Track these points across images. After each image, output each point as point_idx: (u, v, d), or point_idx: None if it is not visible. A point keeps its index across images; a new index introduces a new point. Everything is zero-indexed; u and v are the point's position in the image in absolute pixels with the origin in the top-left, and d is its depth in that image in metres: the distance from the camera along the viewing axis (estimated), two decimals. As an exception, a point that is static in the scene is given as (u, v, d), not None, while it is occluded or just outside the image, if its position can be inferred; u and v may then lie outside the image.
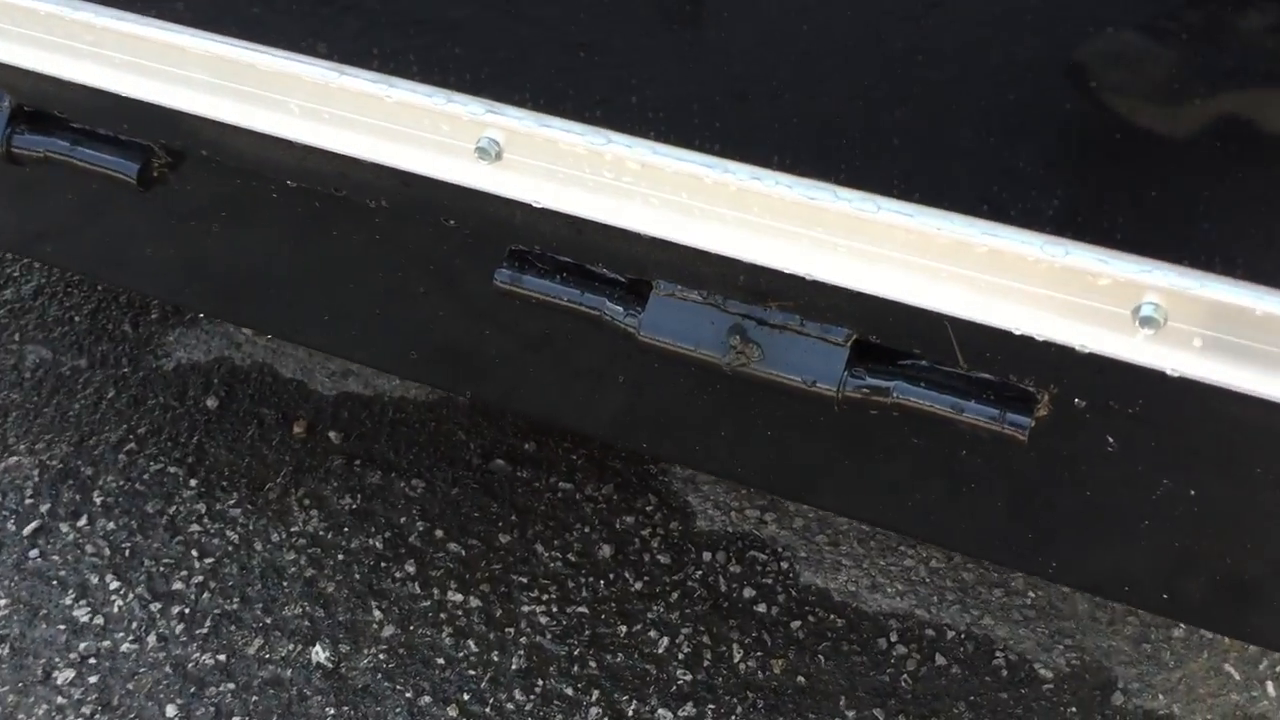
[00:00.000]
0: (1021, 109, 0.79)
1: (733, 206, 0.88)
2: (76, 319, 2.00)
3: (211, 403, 1.86)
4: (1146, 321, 0.79)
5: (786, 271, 0.89)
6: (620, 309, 0.98)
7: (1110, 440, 0.90)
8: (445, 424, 1.84)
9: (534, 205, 0.94)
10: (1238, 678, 1.55)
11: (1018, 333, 0.84)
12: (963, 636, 1.58)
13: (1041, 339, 0.84)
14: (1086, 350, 0.82)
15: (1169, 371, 0.81)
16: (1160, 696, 1.52)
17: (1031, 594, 1.63)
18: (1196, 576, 0.96)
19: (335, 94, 0.96)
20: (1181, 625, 1.58)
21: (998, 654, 1.56)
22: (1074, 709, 1.51)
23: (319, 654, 1.55)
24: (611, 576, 1.65)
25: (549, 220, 0.96)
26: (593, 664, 1.55)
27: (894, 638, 1.58)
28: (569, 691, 1.52)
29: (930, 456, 0.96)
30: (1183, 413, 0.84)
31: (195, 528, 1.70)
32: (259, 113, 0.99)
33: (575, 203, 0.93)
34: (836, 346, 0.92)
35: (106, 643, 1.56)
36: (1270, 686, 1.53)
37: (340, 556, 1.67)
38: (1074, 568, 0.99)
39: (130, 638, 1.57)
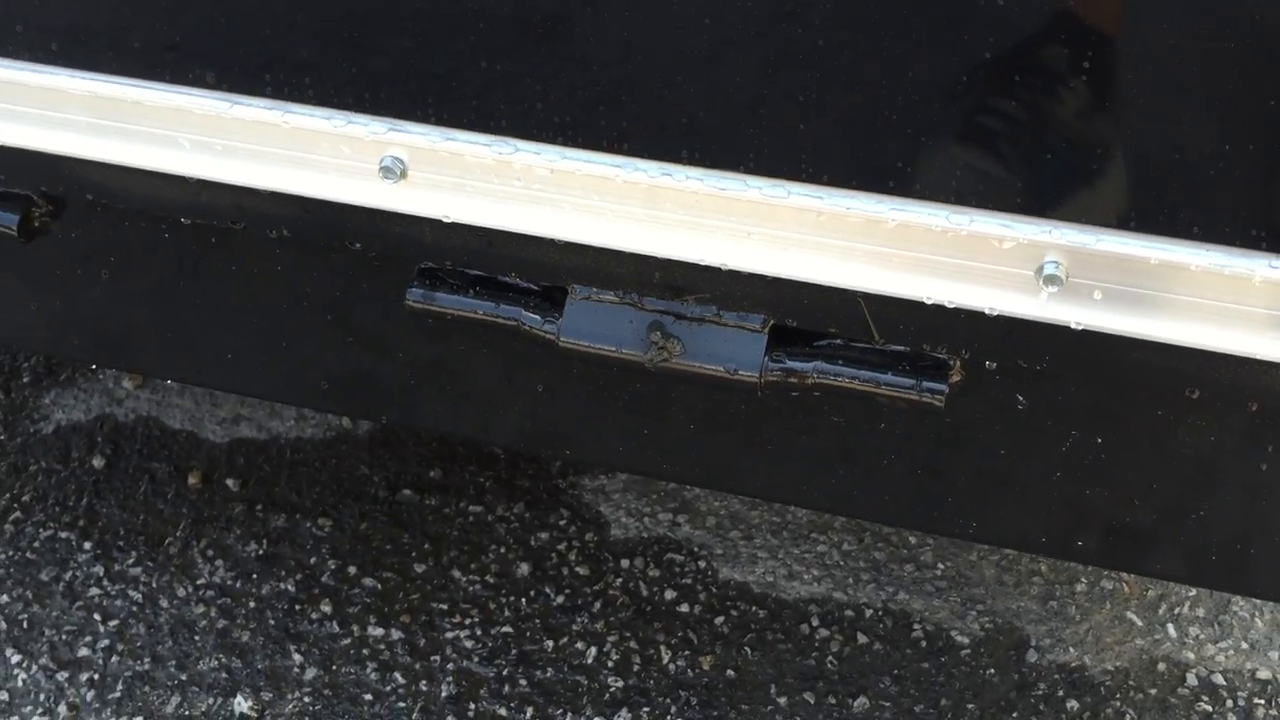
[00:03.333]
0: (918, 82, 0.82)
1: (645, 204, 0.89)
2: (-58, 389, 1.91)
3: (98, 462, 1.80)
4: (1050, 280, 0.83)
5: (702, 264, 0.90)
6: (537, 317, 0.98)
7: (1020, 398, 0.94)
8: (346, 459, 1.81)
9: (444, 220, 0.95)
10: (1140, 624, 1.62)
11: (929, 302, 0.87)
12: (880, 613, 1.62)
13: (952, 306, 0.87)
14: (995, 312, 0.86)
15: (1073, 325, 0.85)
16: (1071, 649, 1.58)
17: (941, 566, 1.68)
18: (1107, 521, 1.01)
19: (229, 124, 0.94)
20: (1083, 580, 1.65)
21: (915, 626, 1.61)
22: (992, 670, 1.56)
23: (241, 704, 1.51)
24: (532, 594, 1.64)
25: (459, 234, 0.96)
26: (523, 682, 1.54)
27: (815, 622, 1.61)
28: (502, 712, 1.51)
29: (853, 432, 0.99)
30: (1087, 364, 0.88)
31: (95, 591, 1.64)
32: (148, 150, 0.97)
33: (485, 214, 0.93)
34: (755, 333, 0.94)
35: (14, 719, 1.49)
36: (1171, 628, 1.61)
37: (252, 604, 1.63)
38: (994, 526, 1.03)
39: (39, 710, 1.50)
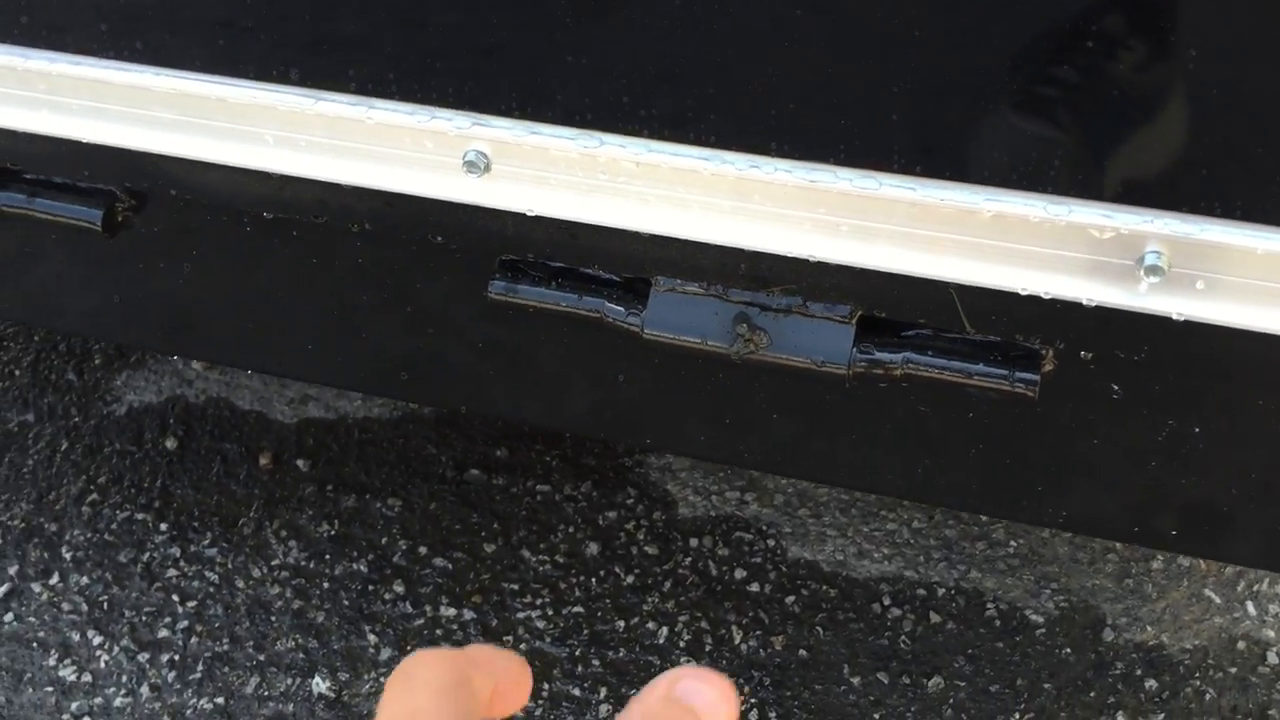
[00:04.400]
0: (1012, 70, 0.80)
1: (732, 196, 0.88)
2: (17, 373, 1.94)
3: (171, 444, 1.82)
4: (1151, 270, 0.81)
5: (789, 255, 0.89)
6: (621, 309, 0.98)
7: (1116, 388, 0.93)
8: (414, 440, 1.82)
9: (527, 214, 0.94)
10: (1218, 601, 1.60)
11: (1024, 293, 0.86)
12: (953, 592, 1.61)
13: (1048, 297, 0.86)
14: (1093, 303, 0.84)
15: (1175, 316, 0.83)
16: (1148, 628, 1.57)
17: (1013, 543, 1.67)
18: (1202, 510, 0.99)
19: (312, 120, 0.94)
20: (1159, 557, 1.64)
21: (989, 605, 1.60)
22: (1068, 650, 1.55)
23: (319, 685, 1.53)
24: (602, 574, 1.65)
25: (542, 227, 0.95)
26: (596, 662, 1.55)
27: (887, 601, 1.61)
28: (576, 692, 1.52)
29: (943, 421, 0.98)
30: (1187, 354, 0.87)
31: (172, 572, 1.67)
32: (232, 146, 0.97)
33: (570, 207, 0.93)
34: (843, 324, 0.93)
35: (98, 699, 1.52)
36: (1250, 606, 1.59)
37: (326, 585, 1.65)
38: (1087, 514, 1.01)
39: (122, 692, 1.53)
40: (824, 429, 1.02)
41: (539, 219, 0.94)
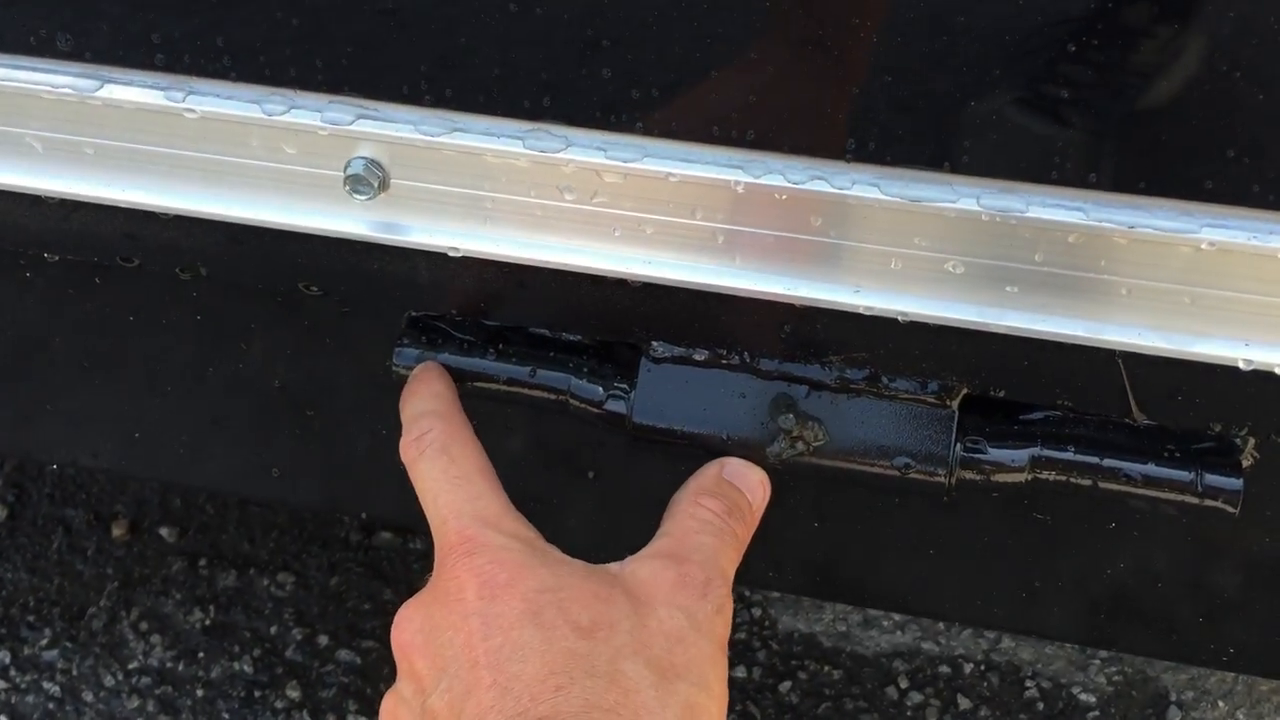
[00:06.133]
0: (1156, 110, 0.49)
1: (777, 218, 0.56)
2: None
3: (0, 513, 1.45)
4: None
5: (865, 312, 0.57)
6: (597, 387, 0.65)
7: (1340, 490, 0.63)
8: (308, 496, 1.47)
9: (449, 254, 0.61)
10: (1297, 664, 1.33)
11: (1245, 368, 0.55)
12: (983, 669, 1.32)
13: (1258, 368, 0.55)
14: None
15: None
16: (1220, 704, 1.29)
17: (1047, 600, 1.38)
18: None
19: (104, 114, 0.60)
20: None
21: (1028, 683, 1.31)
22: (1126, 735, 1.27)
23: (192, 837, 1.19)
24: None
25: (471, 272, 0.62)
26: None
27: (904, 684, 1.31)
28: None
29: (1095, 546, 0.67)
30: None
31: (1, 684, 1.31)
32: (-19, 157, 0.62)
33: (515, 242, 0.60)
34: (939, 408, 0.61)
35: None
36: (1337, 669, 1.32)
37: (200, 692, 1.30)
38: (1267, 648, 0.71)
39: None
40: (905, 554, 0.70)
41: (466, 260, 0.61)
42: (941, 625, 1.35)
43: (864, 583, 0.73)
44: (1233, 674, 1.32)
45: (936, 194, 0.53)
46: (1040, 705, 1.29)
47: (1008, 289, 0.56)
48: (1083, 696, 1.30)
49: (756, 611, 1.37)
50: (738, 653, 1.33)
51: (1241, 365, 0.54)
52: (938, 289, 0.56)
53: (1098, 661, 1.32)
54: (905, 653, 1.33)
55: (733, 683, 1.30)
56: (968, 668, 1.32)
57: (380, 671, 1.31)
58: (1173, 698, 1.29)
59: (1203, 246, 0.52)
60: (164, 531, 1.44)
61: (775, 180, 0.55)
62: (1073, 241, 0.53)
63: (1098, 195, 0.53)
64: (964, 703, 1.29)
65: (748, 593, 1.38)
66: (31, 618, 1.36)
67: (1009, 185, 0.53)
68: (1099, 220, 0.53)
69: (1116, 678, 1.31)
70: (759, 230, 0.57)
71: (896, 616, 1.37)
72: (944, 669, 1.32)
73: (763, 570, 0.72)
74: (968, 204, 0.53)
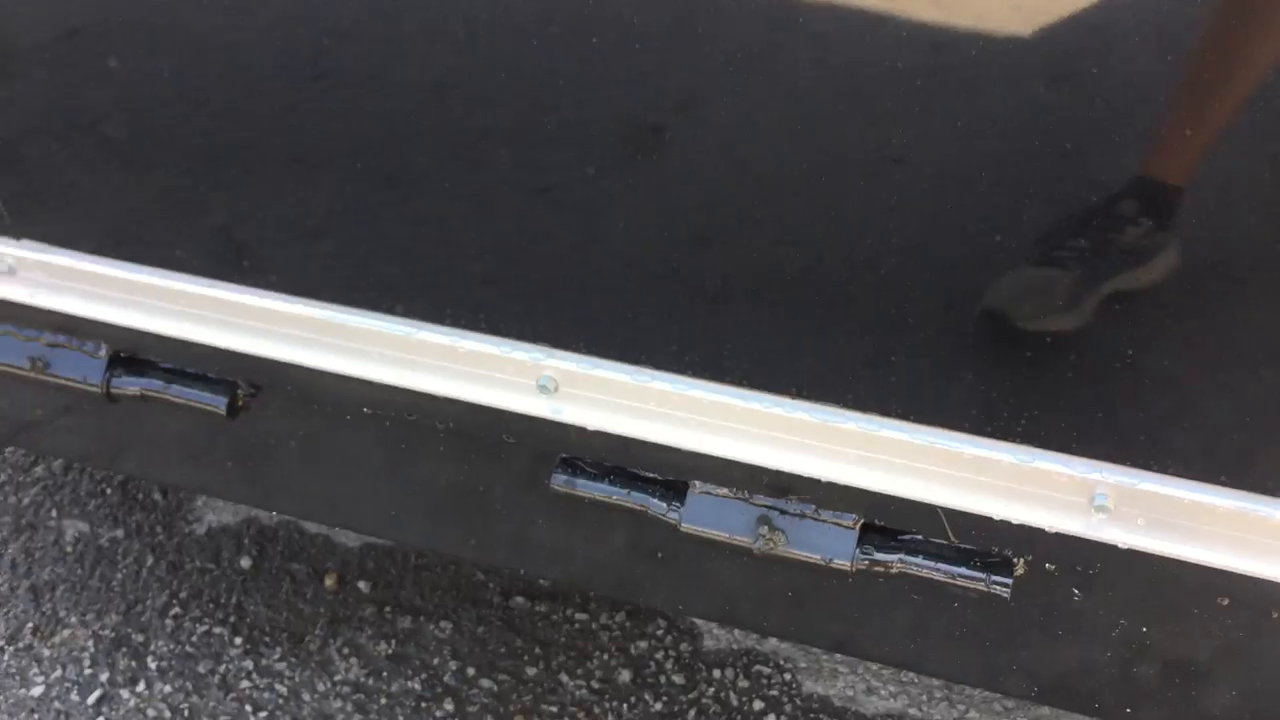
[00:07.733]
0: (990, 349, 1.00)
1: (760, 426, 1.07)
2: (108, 491, 2.14)
3: (245, 562, 2.01)
4: (1100, 508, 1.00)
5: (806, 475, 1.08)
6: (663, 504, 1.17)
7: (1076, 592, 1.11)
8: (464, 567, 2.01)
9: (587, 428, 1.13)
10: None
11: (997, 518, 1.04)
12: (951, 730, 1.77)
13: (1017, 522, 1.04)
14: (1054, 530, 1.03)
15: (1119, 545, 1.01)
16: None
17: (1008, 685, 1.83)
18: (1147, 692, 1.16)
19: (415, 345, 1.14)
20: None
21: (984, 744, 1.76)
22: (1055, 788, 1.71)
23: (377, 796, 1.70)
24: (633, 699, 1.82)
25: (599, 438, 1.15)
26: (626, 784, 1.72)
27: (891, 736, 1.77)
28: (607, 811, 1.69)
29: (929, 610, 1.16)
30: (1132, 574, 1.05)
31: (246, 684, 1.85)
32: (347, 361, 1.17)
33: (623, 425, 1.12)
34: (847, 529, 1.12)
35: (180, 803, 1.70)
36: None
37: (383, 700, 1.83)
38: (1051, 690, 1.19)
39: (202, 796, 1.70)
40: (830, 611, 1.20)
41: (597, 432, 1.14)
42: (925, 696, 1.81)
43: (795, 626, 1.22)
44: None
45: (837, 419, 1.04)
46: (991, 760, 1.74)
47: (880, 472, 1.06)
48: (1024, 757, 1.74)
49: (787, 676, 1.85)
50: (769, 703, 1.81)
51: (995, 517, 1.04)
52: (845, 468, 1.07)
53: (1040, 732, 1.77)
54: (895, 714, 1.80)
55: (764, 725, 1.78)
56: (939, 729, 1.78)
57: (510, 696, 1.82)
58: (1092, 763, 1.73)
59: (968, 457, 1.01)
60: (361, 584, 1.98)
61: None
62: (909, 448, 1.03)
63: (922, 426, 1.03)
64: (934, 754, 1.75)
65: (782, 661, 1.87)
66: (267, 639, 1.91)
67: (874, 417, 1.03)
68: (922, 440, 1.03)
69: (1052, 745, 1.75)
70: (750, 428, 1.08)
71: (893, 686, 1.83)
72: (922, 728, 1.78)
73: (744, 616, 1.22)
74: (853, 427, 1.04)
